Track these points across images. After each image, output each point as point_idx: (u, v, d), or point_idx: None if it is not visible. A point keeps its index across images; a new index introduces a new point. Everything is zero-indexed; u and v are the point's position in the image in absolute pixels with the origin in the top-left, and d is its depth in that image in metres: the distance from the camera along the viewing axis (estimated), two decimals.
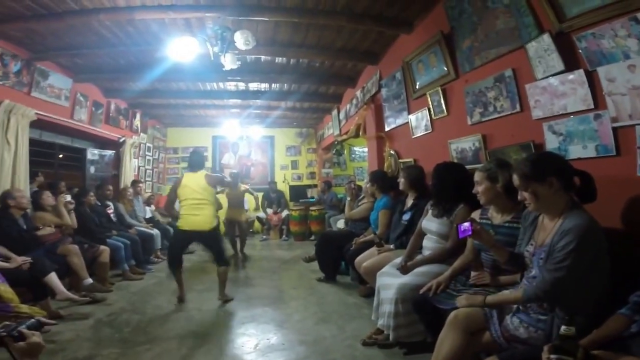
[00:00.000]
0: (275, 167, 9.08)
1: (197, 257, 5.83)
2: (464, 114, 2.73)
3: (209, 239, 3.54)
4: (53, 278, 3.02)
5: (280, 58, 4.53)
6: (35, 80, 4.06)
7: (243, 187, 6.15)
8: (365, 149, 8.46)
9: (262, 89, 5.90)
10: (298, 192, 8.60)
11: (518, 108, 2.20)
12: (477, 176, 1.97)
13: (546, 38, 1.93)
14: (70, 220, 3.84)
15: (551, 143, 1.95)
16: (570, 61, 1.84)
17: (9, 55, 3.63)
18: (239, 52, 3.24)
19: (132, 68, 4.66)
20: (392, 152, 4.05)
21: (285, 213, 7.77)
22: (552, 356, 1.12)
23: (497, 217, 1.95)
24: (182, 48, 3.06)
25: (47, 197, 3.77)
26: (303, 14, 3.26)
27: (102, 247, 3.96)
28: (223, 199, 5.51)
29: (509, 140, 2.31)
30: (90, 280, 3.54)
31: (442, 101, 3.01)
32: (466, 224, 1.70)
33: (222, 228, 5.81)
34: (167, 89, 5.82)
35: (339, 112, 6.32)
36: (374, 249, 3.21)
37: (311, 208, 7.40)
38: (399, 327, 2.29)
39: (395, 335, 2.30)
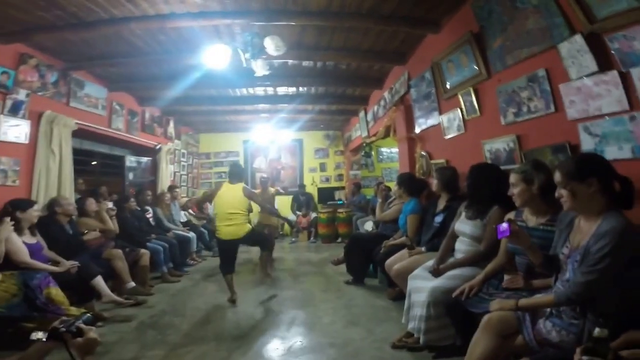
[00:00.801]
0: (304, 170, 9.23)
1: None
2: (497, 114, 2.70)
3: (249, 239, 3.91)
4: (99, 281, 3.23)
5: (307, 62, 4.61)
6: (72, 90, 4.22)
7: (273, 189, 6.34)
8: (394, 150, 8.46)
9: (290, 93, 6.03)
10: (326, 195, 8.71)
11: (552, 108, 2.17)
12: (513, 178, 1.97)
13: (578, 39, 1.91)
14: (113, 225, 4.08)
15: (587, 144, 1.93)
16: (604, 62, 1.82)
17: (45, 66, 3.77)
18: (267, 57, 3.33)
19: (165, 76, 4.82)
20: (423, 153, 4.04)
21: (313, 215, 7.88)
22: (584, 357, 1.13)
23: (531, 220, 1.94)
24: (214, 56, 3.17)
25: (91, 204, 4.00)
26: (328, 17, 3.32)
27: (143, 250, 4.16)
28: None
29: (544, 141, 2.28)
30: (132, 284, 3.74)
31: (475, 101, 2.99)
32: (505, 225, 1.70)
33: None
34: (198, 96, 6.03)
35: (366, 114, 6.34)
36: (404, 252, 3.22)
37: (338, 210, 7.48)
38: (429, 331, 2.30)
39: (426, 338, 2.32)
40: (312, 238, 7.75)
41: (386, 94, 5.08)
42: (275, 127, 8.10)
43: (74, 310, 2.59)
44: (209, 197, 4.06)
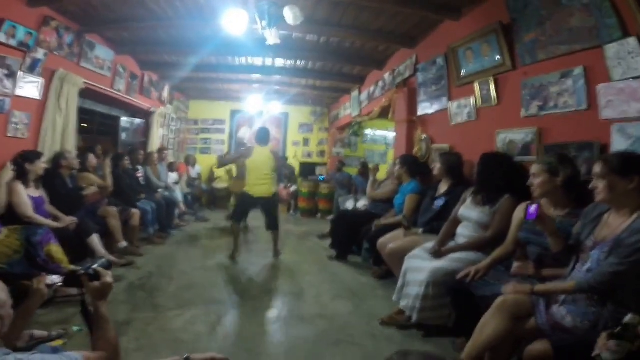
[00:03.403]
0: (288, 143, 9.02)
1: (213, 225, 5.84)
2: (517, 106, 2.61)
3: (270, 204, 4.07)
4: (95, 239, 3.02)
5: (311, 35, 4.36)
6: (84, 51, 4.17)
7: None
8: (378, 132, 8.36)
9: (288, 66, 5.74)
10: (307, 169, 8.52)
11: (585, 106, 2.11)
12: (536, 169, 1.93)
13: (632, 41, 1.82)
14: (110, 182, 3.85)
15: (619, 144, 1.88)
16: None
17: (63, 28, 3.74)
18: (285, 27, 3.13)
19: (171, 42, 4.68)
20: (424, 137, 3.93)
21: (293, 188, 7.69)
22: (611, 342, 1.16)
23: (549, 211, 1.91)
24: (232, 21, 2.94)
25: (92, 159, 3.86)
26: None
27: (134, 210, 3.93)
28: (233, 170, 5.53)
29: (569, 137, 2.23)
30: (124, 243, 3.55)
31: (492, 91, 2.88)
32: (533, 207, 1.67)
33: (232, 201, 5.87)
34: (197, 63, 5.57)
35: (360, 93, 6.14)
36: (399, 232, 3.16)
37: (322, 186, 7.31)
38: (424, 310, 2.28)
39: (420, 317, 2.30)
40: (291, 211, 7.59)
41: (386, 76, 4.90)
42: (266, 99, 7.76)
43: (72, 268, 2.37)
44: (235, 158, 4.38)
